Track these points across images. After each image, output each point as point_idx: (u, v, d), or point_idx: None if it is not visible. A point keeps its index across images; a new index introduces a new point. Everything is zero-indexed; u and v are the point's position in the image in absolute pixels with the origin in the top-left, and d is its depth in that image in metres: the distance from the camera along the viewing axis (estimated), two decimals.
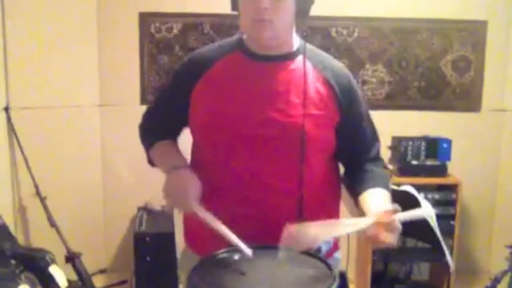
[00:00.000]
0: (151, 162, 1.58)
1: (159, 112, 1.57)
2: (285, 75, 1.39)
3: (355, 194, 1.43)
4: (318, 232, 1.21)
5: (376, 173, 1.44)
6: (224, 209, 1.36)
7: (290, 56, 1.41)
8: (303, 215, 1.37)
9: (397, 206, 1.19)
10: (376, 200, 1.33)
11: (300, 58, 1.41)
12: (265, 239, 1.27)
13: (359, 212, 1.36)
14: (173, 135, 1.57)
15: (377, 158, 1.50)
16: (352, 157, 1.46)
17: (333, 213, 1.52)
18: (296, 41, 1.44)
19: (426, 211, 1.25)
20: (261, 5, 1.27)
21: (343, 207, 1.56)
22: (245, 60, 1.42)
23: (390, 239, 1.17)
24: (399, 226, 1.19)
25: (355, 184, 1.44)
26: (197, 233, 1.49)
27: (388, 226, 1.17)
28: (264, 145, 1.36)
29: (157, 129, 1.56)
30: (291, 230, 1.18)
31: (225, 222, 1.30)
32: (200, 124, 1.43)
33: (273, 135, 1.35)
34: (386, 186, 1.41)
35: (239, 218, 1.36)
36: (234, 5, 1.39)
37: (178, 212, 1.40)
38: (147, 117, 1.61)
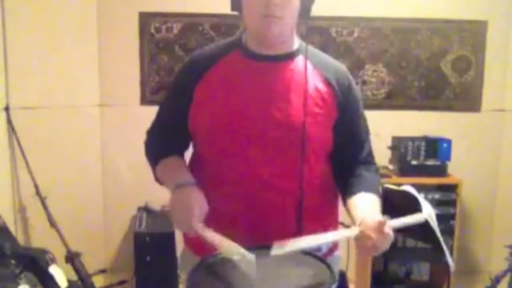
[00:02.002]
0: (158, 180, 1.52)
1: (163, 121, 1.52)
2: (285, 74, 1.40)
3: (343, 197, 1.43)
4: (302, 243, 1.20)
5: (366, 178, 1.43)
6: (225, 208, 1.36)
7: (290, 56, 1.42)
8: (302, 214, 1.37)
9: (386, 217, 1.19)
10: (364, 207, 1.33)
11: (300, 57, 1.42)
12: (265, 238, 1.27)
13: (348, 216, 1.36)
14: (181, 146, 1.52)
15: (368, 161, 1.49)
16: (344, 157, 1.46)
17: (331, 212, 1.52)
18: (296, 41, 1.45)
19: (417, 218, 1.22)
20: (272, 1, 1.28)
21: (342, 208, 1.56)
22: (244, 60, 1.42)
23: (380, 245, 1.18)
24: (391, 234, 1.19)
25: (344, 188, 1.43)
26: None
27: (376, 231, 1.17)
28: (264, 144, 1.36)
29: (163, 141, 1.51)
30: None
31: (225, 222, 1.30)
32: (200, 124, 1.42)
33: (273, 134, 1.35)
34: (375, 191, 1.40)
35: (239, 217, 1.36)
36: (235, 5, 1.39)
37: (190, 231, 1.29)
38: (151, 131, 1.56)
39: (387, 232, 1.18)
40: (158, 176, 1.51)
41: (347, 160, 1.46)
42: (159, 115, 1.55)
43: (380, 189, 1.44)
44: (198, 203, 1.28)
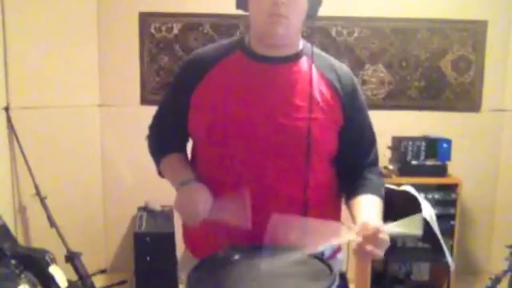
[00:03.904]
0: (162, 175, 1.53)
1: (164, 120, 1.53)
2: (289, 77, 1.37)
3: (346, 198, 1.42)
4: (300, 237, 1.19)
5: (370, 181, 1.42)
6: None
7: (294, 58, 1.39)
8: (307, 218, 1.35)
9: (381, 224, 1.19)
10: (365, 210, 1.32)
11: (304, 59, 1.40)
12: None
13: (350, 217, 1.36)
14: (181, 143, 1.52)
15: (373, 164, 1.48)
16: (350, 161, 1.44)
17: (335, 215, 1.50)
18: (301, 42, 1.43)
19: (413, 232, 1.21)
20: (279, 0, 1.26)
21: (343, 210, 1.55)
22: (247, 61, 1.39)
23: (375, 252, 1.15)
24: (387, 239, 1.17)
25: (348, 189, 1.42)
26: (197, 237, 1.48)
27: (372, 239, 1.15)
28: (268, 149, 1.34)
29: (164, 139, 1.52)
30: (277, 222, 1.17)
31: (227, 226, 1.29)
32: (199, 128, 1.40)
33: (278, 138, 1.33)
34: (378, 193, 1.39)
35: None
36: (240, 2, 1.37)
37: (191, 225, 1.35)
38: (152, 127, 1.57)
39: (382, 238, 1.16)
40: (161, 172, 1.53)
41: (353, 163, 1.44)
42: (159, 113, 1.55)
43: (383, 191, 1.43)
44: (203, 196, 1.30)
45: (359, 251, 1.16)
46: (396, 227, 1.20)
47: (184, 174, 1.38)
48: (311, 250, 1.18)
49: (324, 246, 1.20)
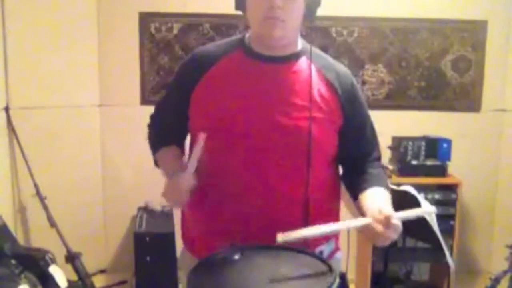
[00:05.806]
0: (157, 165, 1.56)
1: (163, 114, 1.54)
2: (289, 77, 1.38)
3: (354, 194, 1.42)
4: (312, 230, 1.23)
5: (374, 174, 1.43)
6: (227, 213, 1.35)
7: (293, 57, 1.40)
8: (308, 218, 1.35)
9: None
10: (376, 200, 1.33)
11: (303, 59, 1.40)
12: (269, 242, 1.26)
13: (359, 212, 1.36)
14: (180, 137, 1.54)
15: (376, 160, 1.49)
16: (353, 160, 1.45)
17: (335, 215, 1.51)
18: (300, 42, 1.43)
19: (425, 210, 1.26)
20: (275, 4, 1.27)
21: (343, 208, 1.55)
22: (247, 60, 1.40)
23: (389, 235, 1.20)
24: (399, 224, 1.21)
25: (354, 185, 1.43)
26: (195, 236, 1.48)
27: (385, 223, 1.19)
28: (268, 149, 1.33)
29: (163, 131, 1.54)
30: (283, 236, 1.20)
31: (227, 227, 1.29)
32: (201, 126, 1.39)
33: (277, 138, 1.33)
34: (385, 186, 1.41)
35: (242, 222, 1.34)
36: (239, 4, 1.37)
37: (178, 207, 1.38)
38: (153, 118, 1.59)
39: (394, 223, 1.20)
40: (157, 162, 1.55)
41: (356, 161, 1.45)
42: (160, 106, 1.57)
43: (388, 183, 1.45)
44: (185, 177, 1.32)
45: (374, 234, 1.21)
46: (407, 213, 1.26)
47: (175, 167, 1.40)
48: (318, 234, 1.22)
49: (333, 229, 1.25)
